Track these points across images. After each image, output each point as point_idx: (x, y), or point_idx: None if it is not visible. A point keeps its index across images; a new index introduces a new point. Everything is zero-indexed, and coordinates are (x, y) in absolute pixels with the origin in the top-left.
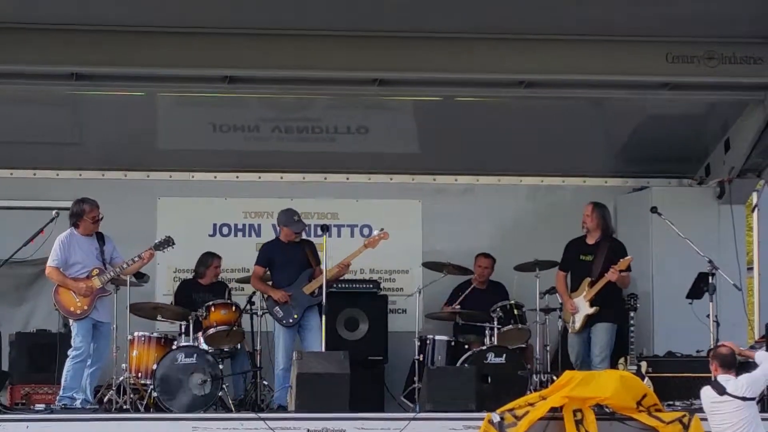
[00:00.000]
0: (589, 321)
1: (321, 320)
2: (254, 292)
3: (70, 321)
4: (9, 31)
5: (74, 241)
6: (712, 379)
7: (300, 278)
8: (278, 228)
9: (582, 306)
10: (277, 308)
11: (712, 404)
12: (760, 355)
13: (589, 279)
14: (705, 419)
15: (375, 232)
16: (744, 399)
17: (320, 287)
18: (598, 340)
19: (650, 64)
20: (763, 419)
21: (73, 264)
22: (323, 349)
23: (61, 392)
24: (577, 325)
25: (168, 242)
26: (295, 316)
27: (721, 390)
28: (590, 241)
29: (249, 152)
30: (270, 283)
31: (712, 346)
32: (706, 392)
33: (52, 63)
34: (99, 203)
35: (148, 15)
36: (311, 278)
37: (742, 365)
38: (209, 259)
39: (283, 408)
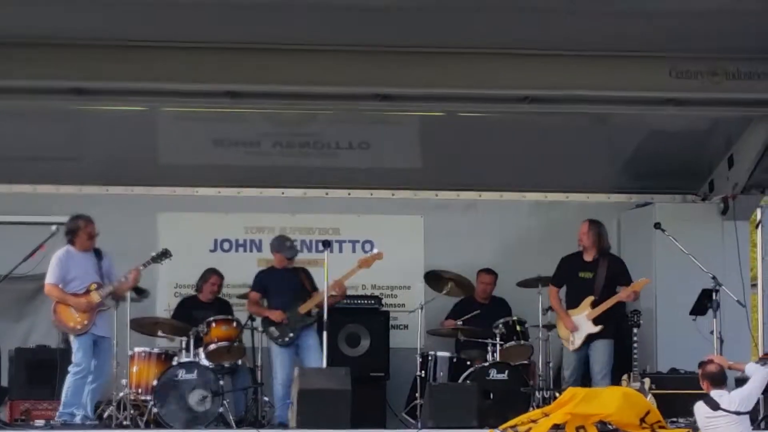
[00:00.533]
0: (588, 338)
1: (319, 338)
2: (257, 315)
3: (71, 337)
4: (9, 46)
5: (71, 257)
6: (706, 394)
7: (295, 302)
8: (272, 254)
9: (583, 324)
10: (273, 328)
11: (706, 419)
12: (750, 368)
13: (591, 298)
14: None
15: (371, 252)
16: (738, 413)
17: (317, 306)
18: (599, 358)
19: (654, 80)
20: None
21: (71, 280)
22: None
23: (61, 408)
24: (578, 343)
25: (165, 254)
26: (291, 335)
27: (714, 405)
28: (588, 258)
29: (250, 167)
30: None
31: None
32: (700, 408)
33: (52, 78)
34: (99, 218)
35: (149, 30)
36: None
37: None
38: (208, 275)
39: (284, 425)
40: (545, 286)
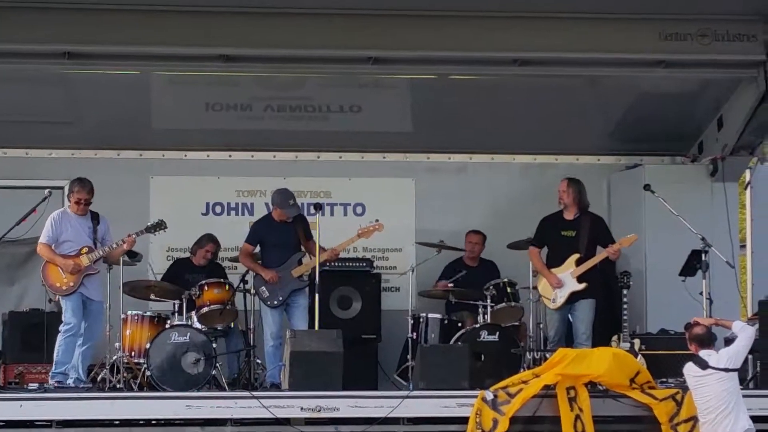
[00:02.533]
0: (571, 297)
1: (309, 300)
2: (247, 271)
3: (59, 298)
4: (1, 10)
5: (66, 218)
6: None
7: (290, 261)
8: (271, 206)
9: (568, 281)
10: (263, 288)
11: (695, 378)
12: (737, 326)
13: (577, 255)
14: None
15: (370, 223)
16: (726, 370)
17: (309, 269)
18: (584, 317)
19: (643, 42)
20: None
21: (63, 242)
22: (308, 328)
23: (53, 368)
24: (561, 301)
25: (160, 225)
26: (280, 298)
27: (703, 365)
28: (569, 216)
29: (242, 131)
30: (259, 261)
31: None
32: (690, 368)
33: (44, 42)
34: (92, 182)
35: None
36: (301, 261)
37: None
38: (205, 241)
39: (276, 386)
40: None
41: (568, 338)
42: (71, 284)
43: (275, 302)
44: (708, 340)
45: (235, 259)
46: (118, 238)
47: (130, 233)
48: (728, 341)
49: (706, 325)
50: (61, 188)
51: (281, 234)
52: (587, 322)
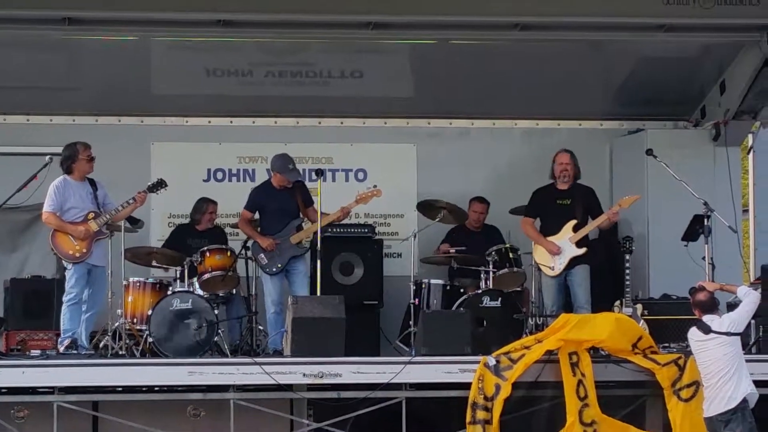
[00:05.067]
0: (570, 263)
1: (310, 266)
2: (248, 237)
3: (67, 265)
4: None
5: (68, 186)
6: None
7: (288, 227)
8: (271, 172)
9: (567, 247)
10: (262, 255)
11: (697, 343)
12: (741, 290)
13: (574, 221)
14: None
15: (368, 188)
16: (729, 334)
17: (309, 235)
18: (581, 281)
19: (646, 6)
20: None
21: (68, 209)
22: (309, 294)
23: (62, 335)
24: (561, 267)
25: (161, 184)
26: (279, 266)
27: (706, 329)
28: (563, 186)
29: (243, 97)
30: (258, 229)
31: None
32: (693, 333)
33: (44, 7)
34: (93, 148)
35: None
36: (300, 228)
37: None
38: (204, 205)
39: (278, 352)
40: None
41: (566, 308)
42: (84, 251)
43: (274, 269)
44: (711, 305)
45: (236, 226)
46: (118, 204)
47: (139, 191)
48: (731, 306)
49: (710, 290)
50: (61, 155)
51: (280, 200)
52: (585, 287)
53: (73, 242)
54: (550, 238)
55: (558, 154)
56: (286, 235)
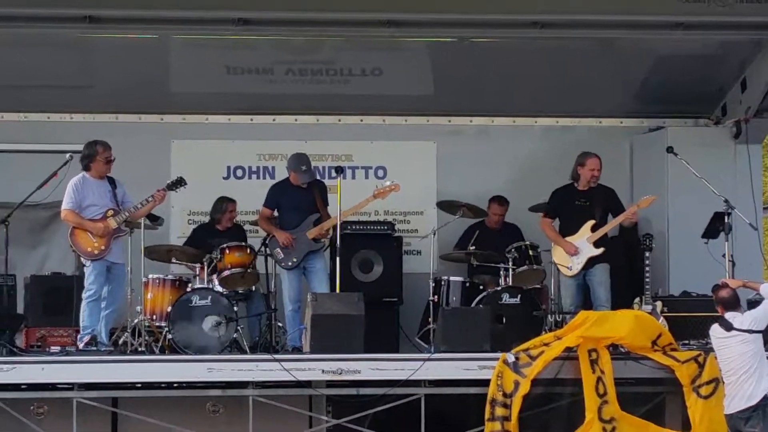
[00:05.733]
0: (588, 263)
1: (329, 263)
2: (269, 235)
3: (86, 262)
4: None
5: (87, 184)
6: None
7: (305, 222)
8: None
9: (585, 247)
10: (278, 250)
11: (719, 340)
12: (765, 288)
13: (592, 222)
14: None
15: (386, 183)
16: (750, 332)
17: (327, 231)
18: (602, 280)
19: (665, 4)
20: None
21: (87, 206)
22: (329, 291)
23: (81, 332)
24: (578, 267)
25: (180, 182)
26: (294, 260)
27: (728, 326)
28: (582, 187)
29: (263, 94)
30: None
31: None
32: (715, 330)
33: (64, 6)
34: (112, 146)
35: None
36: (317, 223)
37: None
38: (223, 205)
39: (297, 349)
40: None
41: (585, 307)
42: (102, 248)
43: (289, 263)
44: (733, 302)
45: (255, 223)
46: (137, 202)
47: (158, 188)
48: (751, 303)
49: (733, 287)
50: (81, 152)
51: (297, 197)
52: (606, 285)
53: (92, 239)
54: (568, 239)
55: (589, 159)
56: (302, 230)
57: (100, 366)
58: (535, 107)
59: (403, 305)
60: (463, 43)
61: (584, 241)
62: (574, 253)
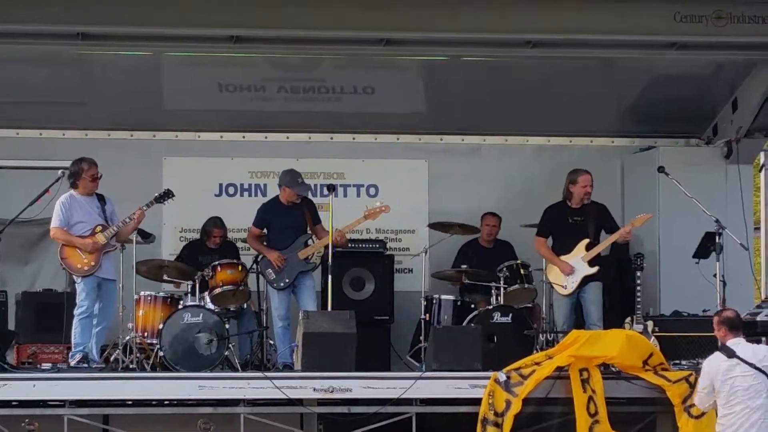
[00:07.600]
0: (582, 281)
1: (321, 281)
2: (259, 253)
3: (77, 279)
4: None
5: (74, 201)
6: (719, 344)
7: (296, 242)
8: (279, 187)
9: (580, 266)
10: (270, 270)
11: (723, 372)
12: None
13: (586, 240)
14: None
15: (376, 204)
16: (756, 369)
17: (318, 251)
18: (594, 298)
19: (658, 24)
20: None
21: (75, 223)
22: (318, 308)
23: (73, 349)
24: (573, 286)
25: (168, 194)
26: (287, 280)
27: (730, 353)
28: (575, 204)
29: (255, 112)
30: (265, 243)
31: (718, 308)
32: (716, 359)
33: (57, 23)
34: (105, 163)
35: None
36: (307, 244)
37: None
38: (210, 228)
39: (288, 367)
40: None
41: (577, 326)
42: (92, 264)
43: (281, 284)
44: (738, 324)
45: (245, 241)
46: (128, 215)
47: (140, 206)
48: (749, 324)
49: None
50: None
51: (288, 217)
52: (598, 304)
53: (82, 256)
54: (563, 257)
55: (581, 176)
56: (293, 251)
57: (92, 383)
58: (527, 126)
59: (395, 323)
60: (455, 62)
61: (579, 260)
62: (570, 272)
